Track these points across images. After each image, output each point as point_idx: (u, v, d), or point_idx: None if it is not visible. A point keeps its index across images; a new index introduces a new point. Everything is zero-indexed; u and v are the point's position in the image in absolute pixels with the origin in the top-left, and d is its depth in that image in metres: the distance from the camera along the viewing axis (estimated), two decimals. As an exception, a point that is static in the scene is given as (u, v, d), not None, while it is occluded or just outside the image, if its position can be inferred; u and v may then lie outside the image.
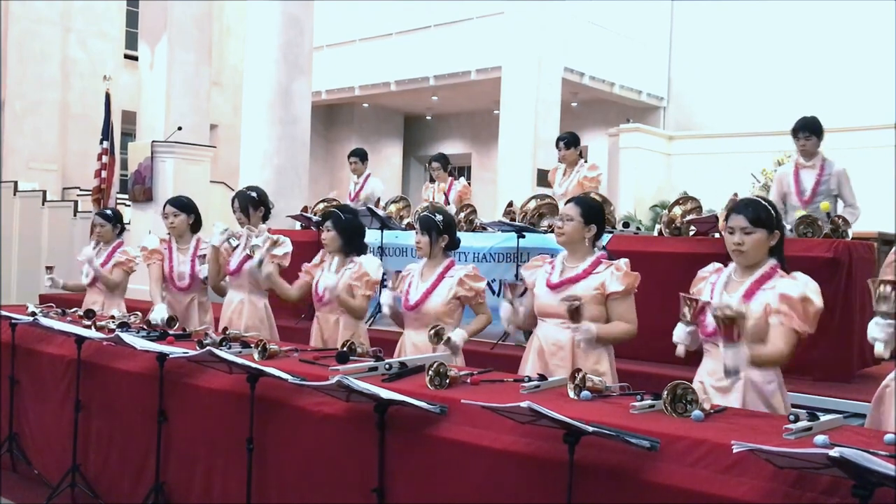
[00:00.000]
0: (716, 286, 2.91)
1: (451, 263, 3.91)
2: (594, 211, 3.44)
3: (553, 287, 3.37)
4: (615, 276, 3.28)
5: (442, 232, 3.89)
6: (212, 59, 9.79)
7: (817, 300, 2.71)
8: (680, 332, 2.85)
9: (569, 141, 6.65)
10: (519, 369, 3.56)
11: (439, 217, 3.93)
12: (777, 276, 2.82)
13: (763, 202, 2.89)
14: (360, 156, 7.99)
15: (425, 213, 4.08)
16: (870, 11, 13.08)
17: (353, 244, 4.25)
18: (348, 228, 4.23)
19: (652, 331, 4.14)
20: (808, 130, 5.43)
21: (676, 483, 2.14)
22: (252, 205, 4.76)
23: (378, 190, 7.92)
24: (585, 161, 6.70)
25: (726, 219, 2.94)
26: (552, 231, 5.39)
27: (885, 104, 12.27)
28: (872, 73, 13.02)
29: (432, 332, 3.63)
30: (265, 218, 4.85)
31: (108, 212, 5.64)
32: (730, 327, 2.51)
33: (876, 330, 2.49)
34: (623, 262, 3.33)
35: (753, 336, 2.66)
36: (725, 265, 2.99)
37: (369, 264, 4.17)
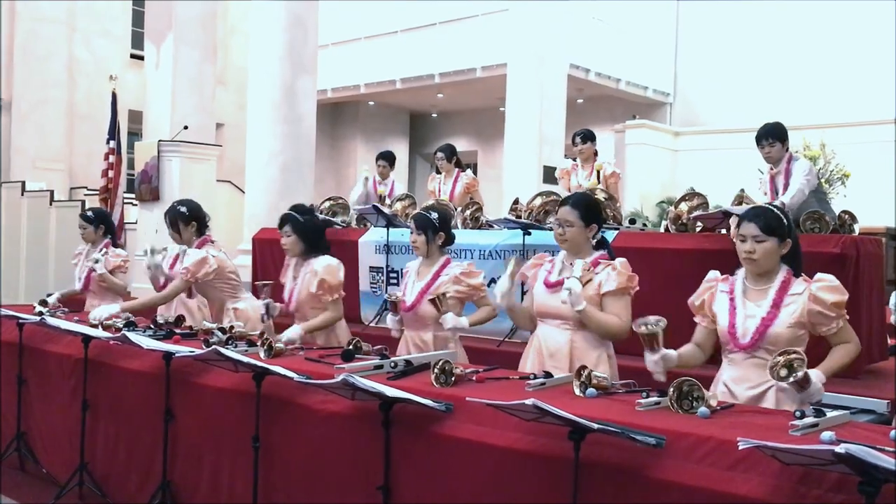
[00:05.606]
0: (735, 295, 2.88)
1: (446, 262, 3.89)
2: (592, 210, 3.33)
3: (550, 286, 3.29)
4: (611, 276, 3.19)
5: (438, 230, 3.88)
6: (217, 59, 9.82)
7: None
8: (648, 363, 2.82)
9: (585, 136, 6.72)
10: (519, 368, 3.53)
11: (434, 215, 3.91)
12: (797, 281, 2.82)
13: (775, 210, 2.87)
14: (389, 160, 7.82)
15: (421, 211, 4.06)
16: (872, 8, 13.10)
17: (314, 245, 4.19)
18: (308, 230, 4.18)
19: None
20: (772, 136, 5.14)
21: (682, 480, 2.13)
22: (182, 220, 4.74)
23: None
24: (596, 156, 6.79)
25: (738, 226, 2.92)
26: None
27: (887, 100, 12.26)
28: (875, 69, 13.02)
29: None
30: (200, 231, 4.78)
31: (90, 213, 5.48)
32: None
33: None
34: (619, 262, 3.23)
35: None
36: (732, 263, 2.98)
37: (325, 270, 4.04)
